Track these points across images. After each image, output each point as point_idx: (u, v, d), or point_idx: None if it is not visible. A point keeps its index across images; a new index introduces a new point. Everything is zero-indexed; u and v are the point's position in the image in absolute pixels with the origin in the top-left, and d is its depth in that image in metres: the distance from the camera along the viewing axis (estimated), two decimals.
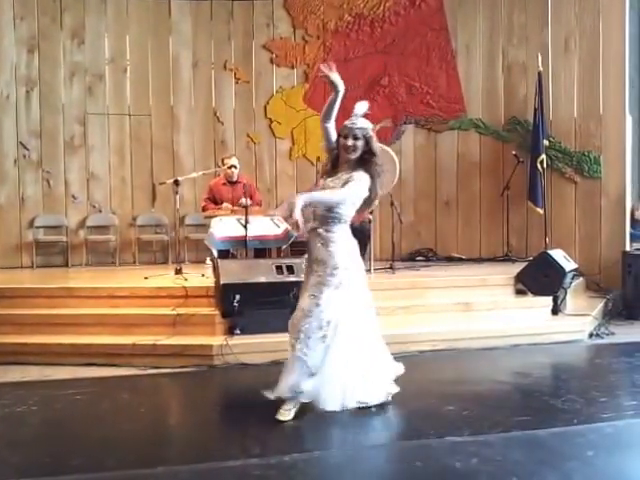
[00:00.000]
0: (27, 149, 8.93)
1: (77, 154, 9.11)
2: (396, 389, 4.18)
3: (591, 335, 6.40)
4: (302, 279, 4.30)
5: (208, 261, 7.24)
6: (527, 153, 8.38)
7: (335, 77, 3.95)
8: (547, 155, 8.27)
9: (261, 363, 5.19)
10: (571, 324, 6.41)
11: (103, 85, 9.16)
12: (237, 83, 9.40)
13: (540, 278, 6.50)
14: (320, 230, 3.98)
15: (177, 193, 7.17)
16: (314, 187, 4.22)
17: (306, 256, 4.22)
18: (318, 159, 8.68)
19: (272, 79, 9.40)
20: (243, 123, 9.41)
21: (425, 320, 6.08)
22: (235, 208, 7.02)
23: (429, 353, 5.72)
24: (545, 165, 8.22)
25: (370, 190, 3.97)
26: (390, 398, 4.18)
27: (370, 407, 4.07)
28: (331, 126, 4.09)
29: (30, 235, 8.91)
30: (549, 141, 8.36)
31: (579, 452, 3.44)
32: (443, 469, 3.23)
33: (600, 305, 7.08)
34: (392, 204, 7.40)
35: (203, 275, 6.68)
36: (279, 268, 5.72)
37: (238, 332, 5.55)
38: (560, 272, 6.52)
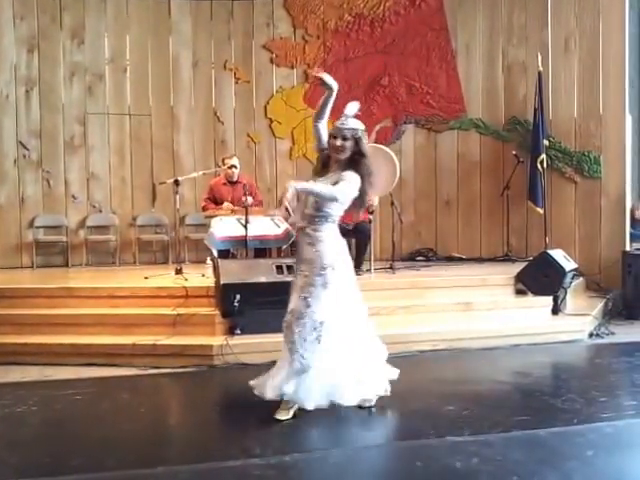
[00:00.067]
0: (27, 149, 8.93)
1: (77, 154, 9.11)
2: (388, 390, 4.15)
3: (591, 335, 6.41)
4: None
5: (208, 261, 7.24)
6: (527, 153, 8.38)
7: (327, 77, 3.98)
8: (547, 155, 8.26)
9: (261, 363, 5.16)
10: (571, 324, 6.42)
11: (103, 85, 9.16)
12: (237, 83, 9.40)
13: (540, 278, 6.50)
14: (308, 230, 3.99)
15: (177, 193, 7.17)
16: None
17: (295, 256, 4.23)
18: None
19: (272, 79, 9.40)
20: (243, 123, 9.41)
21: (425, 320, 6.08)
22: (235, 208, 7.02)
23: (429, 353, 5.72)
24: (545, 165, 8.22)
25: (360, 191, 3.97)
26: (388, 391, 4.15)
27: (362, 407, 4.07)
28: (322, 126, 4.10)
29: (30, 235, 8.91)
30: (549, 141, 8.36)
31: (579, 452, 3.44)
32: (443, 469, 3.23)
33: (600, 305, 7.08)
34: (392, 204, 7.40)
35: (203, 275, 6.68)
36: (279, 268, 5.72)
37: (238, 332, 5.55)
38: (560, 272, 6.52)
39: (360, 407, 4.06)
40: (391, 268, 7.22)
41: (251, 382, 4.15)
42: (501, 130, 8.81)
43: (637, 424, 3.88)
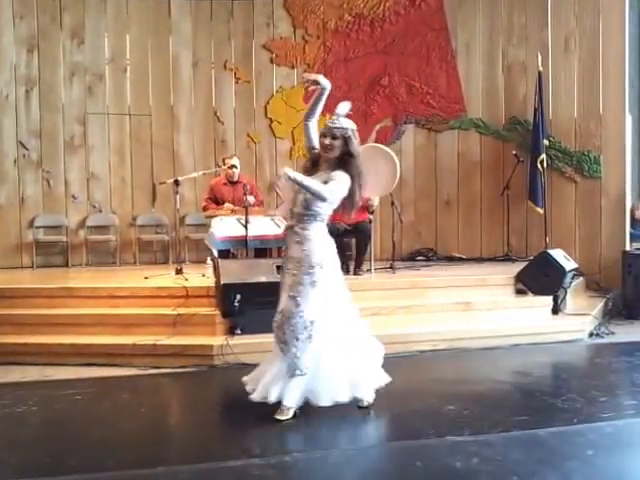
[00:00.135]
0: (27, 149, 8.93)
1: (77, 154, 9.11)
2: (372, 396, 4.13)
3: (591, 334, 6.41)
4: None
5: (209, 261, 7.24)
6: (527, 153, 8.38)
7: (321, 78, 3.98)
8: (547, 155, 8.27)
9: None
10: (571, 324, 6.42)
11: (103, 85, 9.16)
12: (237, 83, 9.40)
13: (540, 278, 6.50)
14: (296, 228, 3.99)
15: (177, 193, 7.16)
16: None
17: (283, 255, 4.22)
18: None
19: (272, 79, 9.40)
20: (243, 123, 9.42)
21: (425, 320, 6.08)
22: (236, 208, 7.01)
23: (429, 353, 5.72)
24: (545, 165, 8.22)
25: (350, 191, 3.97)
26: (371, 397, 4.14)
27: (360, 407, 4.06)
28: (313, 125, 4.10)
29: (30, 235, 8.91)
30: (549, 141, 8.36)
31: (579, 451, 3.44)
32: (443, 469, 3.23)
33: (600, 305, 7.09)
34: (392, 204, 7.40)
35: (203, 275, 6.68)
36: (280, 268, 5.70)
37: (238, 332, 5.55)
38: (560, 272, 6.52)
39: (359, 407, 4.05)
40: (391, 268, 7.22)
41: (244, 378, 4.17)
42: (501, 130, 8.81)
43: (637, 424, 3.88)
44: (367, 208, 7.00)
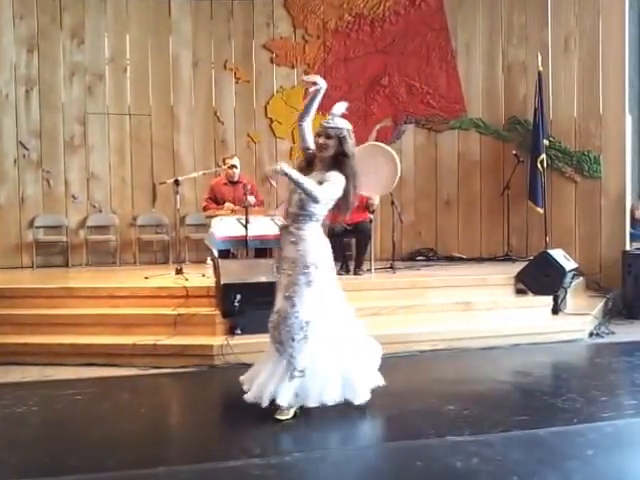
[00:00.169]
0: (27, 149, 8.93)
1: (77, 154, 9.11)
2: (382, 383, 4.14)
3: (591, 334, 6.41)
4: None
5: (209, 261, 7.24)
6: (527, 153, 8.38)
7: (317, 78, 4.00)
8: (547, 155, 8.27)
9: None
10: (571, 323, 6.42)
11: (103, 85, 9.16)
12: (237, 83, 9.40)
13: (540, 278, 6.50)
14: (291, 228, 4.00)
15: (177, 193, 7.17)
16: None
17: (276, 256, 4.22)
18: None
19: (272, 79, 9.40)
20: (243, 123, 9.42)
21: (425, 320, 6.08)
22: (236, 208, 7.01)
23: (429, 353, 5.72)
24: (545, 165, 8.22)
25: (345, 192, 3.97)
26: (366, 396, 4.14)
27: (353, 406, 4.05)
28: (307, 125, 4.10)
29: (30, 235, 8.91)
30: (549, 141, 8.37)
31: (579, 451, 3.44)
32: (444, 469, 3.23)
33: (600, 304, 7.09)
34: (392, 204, 7.40)
35: (204, 275, 6.68)
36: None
37: (239, 332, 5.55)
38: (560, 271, 6.52)
39: (355, 407, 4.03)
40: (391, 268, 7.22)
41: (241, 377, 4.18)
42: (501, 130, 8.81)
43: (637, 423, 3.88)
44: (368, 207, 7.00)
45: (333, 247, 7.18)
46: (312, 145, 4.08)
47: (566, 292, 6.69)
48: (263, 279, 5.61)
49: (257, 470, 3.25)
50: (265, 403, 3.90)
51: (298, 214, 3.97)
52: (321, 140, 3.98)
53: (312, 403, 3.92)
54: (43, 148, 8.99)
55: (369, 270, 7.07)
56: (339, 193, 3.95)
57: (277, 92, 9.36)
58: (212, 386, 5.05)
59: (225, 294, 5.55)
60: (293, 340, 3.89)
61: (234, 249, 6.95)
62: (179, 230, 8.69)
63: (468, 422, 3.87)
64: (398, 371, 5.21)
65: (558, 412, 4.08)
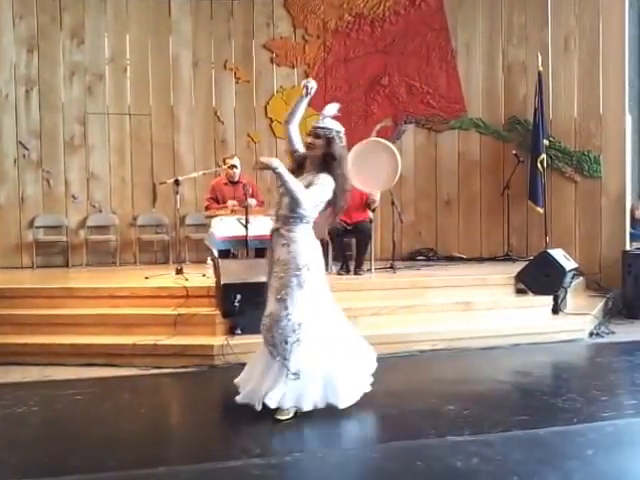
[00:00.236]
0: (27, 149, 8.93)
1: (77, 154, 9.11)
2: (368, 389, 4.13)
3: (591, 334, 6.41)
4: None
5: (209, 261, 7.24)
6: (527, 153, 8.38)
7: (308, 81, 4.05)
8: (547, 155, 8.27)
9: None
10: (571, 323, 6.42)
11: (103, 85, 9.15)
12: (237, 83, 9.40)
13: (540, 277, 6.50)
14: (282, 230, 4.00)
15: (177, 193, 7.17)
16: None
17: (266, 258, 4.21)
18: None
19: (272, 79, 9.40)
20: (243, 123, 9.41)
21: (425, 320, 6.08)
22: (237, 208, 7.01)
23: (429, 352, 5.72)
24: (545, 164, 8.22)
25: (334, 193, 3.97)
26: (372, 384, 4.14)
27: (345, 407, 4.04)
28: (294, 129, 4.11)
29: (30, 235, 8.91)
30: (549, 141, 8.37)
31: (579, 451, 3.44)
32: (444, 469, 3.23)
33: (600, 304, 7.09)
34: (392, 203, 7.40)
35: (204, 275, 6.68)
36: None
37: (239, 332, 5.55)
38: (560, 271, 6.52)
39: (334, 408, 3.99)
40: (391, 268, 7.22)
41: (236, 380, 4.19)
42: (501, 130, 8.81)
43: (637, 423, 3.88)
44: (369, 205, 7.00)
45: (334, 247, 7.25)
46: (300, 147, 4.11)
47: (566, 292, 6.69)
48: (263, 279, 5.57)
49: (257, 470, 3.25)
50: (258, 406, 3.90)
51: (289, 216, 3.97)
52: (309, 139, 4.02)
53: (307, 406, 3.93)
54: (43, 148, 8.99)
55: (369, 270, 7.07)
56: (328, 195, 3.96)
57: (277, 92, 9.36)
58: (212, 386, 5.04)
59: (225, 294, 5.55)
60: (286, 343, 3.89)
61: (234, 249, 6.95)
62: (179, 230, 8.69)
63: (468, 422, 3.87)
64: (398, 371, 5.23)
65: (558, 412, 4.08)
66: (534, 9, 8.62)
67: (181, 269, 6.94)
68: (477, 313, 6.29)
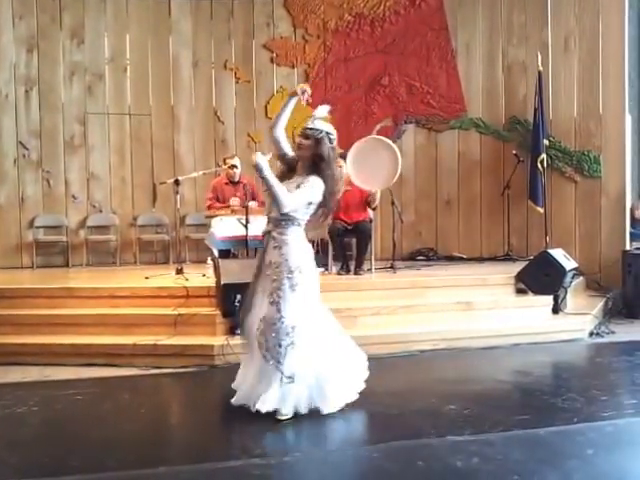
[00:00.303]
0: (27, 149, 8.93)
1: (77, 154, 9.11)
2: (355, 397, 4.10)
3: (591, 334, 6.41)
4: None
5: (209, 261, 7.24)
6: (527, 152, 8.38)
7: (304, 89, 4.05)
8: (547, 154, 8.27)
9: None
10: (571, 323, 6.42)
11: (103, 85, 9.16)
12: (237, 82, 9.40)
13: (541, 277, 6.50)
14: (274, 233, 4.00)
15: (177, 193, 7.16)
16: None
17: (256, 260, 4.20)
18: None
19: (272, 78, 9.40)
20: (244, 122, 9.41)
21: (426, 319, 6.08)
22: (237, 208, 7.01)
23: (430, 352, 5.72)
24: (545, 164, 8.22)
25: (324, 196, 3.96)
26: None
27: (338, 409, 4.03)
28: (280, 133, 4.09)
29: (30, 235, 8.91)
30: (549, 140, 8.37)
31: (579, 451, 3.44)
32: (444, 468, 3.23)
33: (600, 304, 7.09)
34: (393, 203, 7.39)
35: (204, 275, 6.68)
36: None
37: (239, 332, 5.53)
38: (560, 271, 6.52)
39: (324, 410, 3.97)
40: (392, 268, 7.21)
41: (233, 385, 4.19)
42: (501, 130, 8.81)
43: (637, 423, 3.88)
44: (369, 203, 6.99)
45: (334, 247, 7.25)
46: (288, 151, 4.10)
47: (566, 292, 6.68)
48: None
49: (257, 470, 3.25)
50: (253, 408, 3.90)
51: (280, 219, 3.97)
52: (298, 140, 4.02)
53: (302, 409, 3.93)
54: (43, 148, 8.99)
55: (369, 270, 7.07)
56: (316, 197, 3.95)
57: (277, 92, 9.36)
58: (212, 386, 5.04)
59: (225, 294, 5.55)
60: (280, 346, 3.88)
61: (234, 249, 6.95)
62: (179, 230, 8.69)
63: (468, 422, 3.87)
64: (398, 371, 5.23)
65: (558, 411, 4.08)
66: (534, 9, 8.62)
67: (181, 269, 6.93)
68: (477, 313, 6.29)
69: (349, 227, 7.01)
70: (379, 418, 4.08)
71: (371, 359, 5.24)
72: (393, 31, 9.13)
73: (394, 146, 6.78)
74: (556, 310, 6.54)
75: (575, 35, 8.40)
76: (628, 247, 8.07)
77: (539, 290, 6.53)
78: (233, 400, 4.06)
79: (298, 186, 3.91)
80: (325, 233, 7.19)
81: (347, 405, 4.02)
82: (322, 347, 3.99)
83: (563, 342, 6.11)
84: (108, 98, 9.18)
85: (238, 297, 5.47)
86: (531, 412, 4.12)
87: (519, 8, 8.71)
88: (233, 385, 4.23)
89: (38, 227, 8.93)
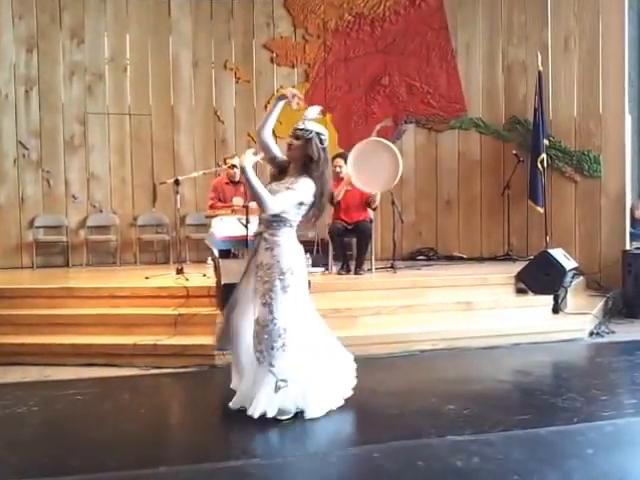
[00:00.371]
0: (27, 149, 8.93)
1: (77, 154, 9.11)
2: (341, 403, 4.09)
3: (591, 334, 6.41)
4: None
5: (209, 261, 7.24)
6: (527, 152, 8.38)
7: (294, 93, 4.02)
8: (547, 154, 8.27)
9: None
10: (571, 323, 6.42)
11: (103, 84, 9.16)
12: (237, 82, 9.40)
13: (541, 277, 6.50)
14: (265, 234, 3.99)
15: (178, 193, 7.16)
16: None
17: (245, 261, 4.19)
18: None
19: (272, 78, 9.40)
20: (244, 122, 9.41)
21: (426, 319, 6.08)
22: (237, 208, 7.01)
23: (430, 352, 5.72)
24: (545, 164, 8.22)
25: (315, 197, 3.96)
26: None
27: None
28: (268, 135, 4.09)
29: (30, 235, 8.91)
30: (549, 140, 8.37)
31: (579, 450, 3.44)
32: (444, 468, 3.23)
33: (600, 304, 7.09)
34: (393, 203, 7.39)
35: (204, 275, 6.68)
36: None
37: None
38: (560, 271, 6.52)
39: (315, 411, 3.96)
40: (392, 267, 7.21)
41: (232, 385, 4.19)
42: (501, 130, 8.82)
43: (637, 422, 3.87)
44: (369, 204, 6.99)
45: (334, 247, 7.25)
46: (278, 153, 4.11)
47: (566, 291, 6.68)
48: None
49: (257, 470, 3.25)
50: (250, 411, 3.90)
51: (271, 220, 3.96)
52: (289, 140, 4.02)
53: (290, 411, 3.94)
54: (43, 148, 8.99)
55: (370, 270, 7.07)
56: (306, 198, 3.94)
57: (277, 92, 9.35)
58: (213, 386, 5.04)
59: (226, 294, 5.53)
60: (272, 349, 3.87)
61: (234, 249, 6.95)
62: (179, 230, 8.70)
63: (469, 421, 3.87)
64: (398, 371, 5.23)
65: (558, 411, 4.08)
66: (534, 9, 8.62)
67: (181, 269, 6.93)
68: (477, 313, 6.29)
69: (349, 227, 7.01)
70: (379, 418, 4.08)
71: (371, 359, 5.27)
72: (393, 31, 9.13)
73: (395, 148, 6.78)
74: (556, 310, 6.54)
75: (575, 35, 8.40)
76: (628, 247, 8.07)
77: (539, 290, 6.53)
78: (231, 404, 4.06)
79: (288, 187, 3.91)
80: (325, 233, 7.20)
81: (332, 410, 3.99)
82: (313, 350, 3.98)
83: (563, 342, 6.11)
84: (108, 98, 9.18)
85: None
86: (531, 412, 4.12)
87: (519, 8, 8.71)
88: (232, 385, 4.23)
89: (38, 227, 8.93)
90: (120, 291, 6.23)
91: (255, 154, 3.91)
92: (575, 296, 7.11)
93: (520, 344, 5.95)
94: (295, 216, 3.99)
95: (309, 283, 4.22)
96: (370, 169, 6.51)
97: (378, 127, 9.02)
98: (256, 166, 3.89)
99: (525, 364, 5.41)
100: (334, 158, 6.87)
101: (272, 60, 9.39)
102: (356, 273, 6.91)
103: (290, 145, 4.00)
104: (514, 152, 8.42)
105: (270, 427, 3.82)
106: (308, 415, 3.91)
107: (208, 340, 5.46)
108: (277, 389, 3.87)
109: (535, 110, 8.24)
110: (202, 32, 9.35)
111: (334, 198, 6.86)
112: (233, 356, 4.22)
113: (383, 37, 9.16)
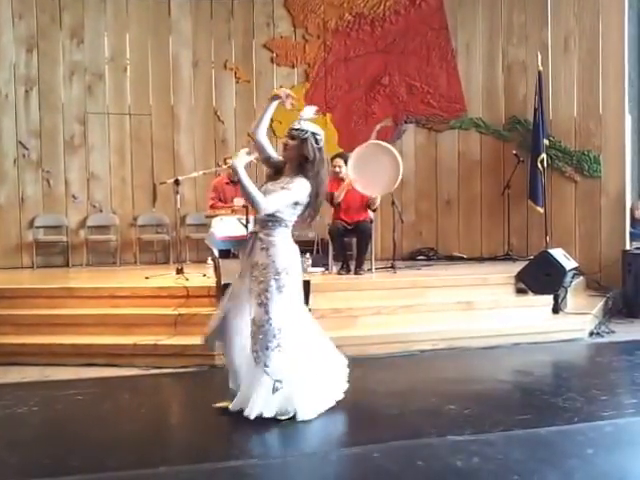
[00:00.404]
0: (27, 149, 8.93)
1: (77, 154, 9.11)
2: (332, 404, 4.08)
3: (591, 334, 6.41)
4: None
5: (209, 261, 7.24)
6: (527, 152, 8.39)
7: (286, 91, 4.04)
8: (547, 154, 8.27)
9: None
10: (572, 323, 6.42)
11: (103, 84, 9.16)
12: (237, 82, 9.40)
13: (541, 277, 6.50)
14: (261, 234, 3.98)
15: (178, 193, 7.17)
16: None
17: (240, 260, 4.18)
18: None
19: (272, 78, 9.40)
20: (244, 122, 9.38)
21: (426, 319, 6.08)
22: (237, 208, 7.01)
23: (430, 352, 5.72)
24: (545, 164, 8.23)
25: (310, 197, 3.95)
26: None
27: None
28: (262, 136, 4.09)
29: (30, 235, 8.91)
30: (549, 140, 8.37)
31: (579, 450, 3.44)
32: (445, 468, 3.23)
33: (600, 304, 7.09)
34: (393, 203, 7.39)
35: (204, 275, 6.69)
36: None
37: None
38: (560, 271, 6.52)
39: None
40: (392, 267, 7.21)
41: (231, 385, 4.18)
42: (501, 130, 8.82)
43: (637, 422, 3.88)
44: (369, 205, 6.99)
45: (334, 247, 7.25)
46: (272, 153, 4.11)
47: (566, 291, 6.69)
48: None
49: (256, 470, 3.25)
50: (246, 412, 3.89)
51: (267, 220, 3.96)
52: (284, 140, 4.02)
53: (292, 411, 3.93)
54: (43, 148, 8.99)
55: (370, 270, 7.07)
56: (300, 198, 3.93)
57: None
58: (213, 386, 5.02)
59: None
60: (267, 349, 3.87)
61: (235, 249, 6.93)
62: (179, 230, 8.70)
63: (469, 421, 3.87)
64: (398, 371, 5.23)
65: (559, 411, 4.08)
66: (534, 9, 8.62)
67: (181, 269, 6.93)
68: (477, 313, 6.29)
69: (349, 227, 7.01)
70: (379, 418, 4.08)
71: (371, 359, 5.27)
72: (393, 31, 9.13)
73: (395, 151, 6.77)
74: (556, 310, 6.54)
75: (575, 35, 8.40)
76: (628, 247, 8.08)
77: (539, 290, 6.53)
78: (231, 406, 4.04)
79: (283, 187, 3.91)
80: (326, 233, 7.20)
81: (332, 410, 3.99)
82: (307, 350, 3.98)
83: (563, 342, 6.11)
84: (108, 98, 9.18)
85: None
86: (531, 412, 4.12)
87: (519, 8, 8.71)
88: (230, 385, 4.22)
89: (38, 227, 8.93)
90: (120, 291, 6.23)
91: (249, 154, 3.91)
92: (575, 296, 7.11)
93: (520, 344, 5.95)
94: (290, 216, 3.99)
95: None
96: (370, 172, 6.51)
97: (378, 127, 9.01)
98: (256, 166, 3.89)
99: (525, 364, 5.41)
100: (334, 158, 6.88)
101: (272, 60, 9.39)
102: (356, 273, 6.91)
103: (286, 145, 4.00)
104: (514, 152, 8.42)
105: (270, 427, 3.81)
106: (300, 417, 3.89)
107: None
108: (275, 390, 3.87)
109: (535, 110, 8.24)
110: (202, 32, 9.35)
111: (335, 199, 6.87)
112: (225, 357, 4.21)
113: (383, 37, 9.16)
